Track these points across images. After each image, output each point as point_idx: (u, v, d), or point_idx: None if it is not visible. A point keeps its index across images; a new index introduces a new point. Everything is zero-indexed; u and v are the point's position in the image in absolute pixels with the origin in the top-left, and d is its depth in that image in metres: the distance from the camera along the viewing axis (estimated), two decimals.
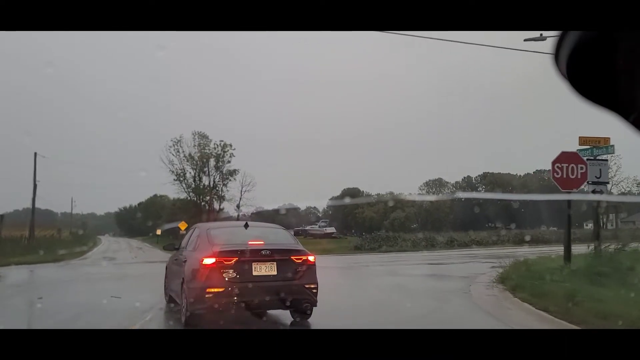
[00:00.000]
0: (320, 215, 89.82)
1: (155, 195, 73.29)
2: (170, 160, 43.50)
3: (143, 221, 69.03)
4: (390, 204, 60.17)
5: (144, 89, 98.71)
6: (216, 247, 7.00)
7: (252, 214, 63.19)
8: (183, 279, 7.36)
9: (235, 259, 6.81)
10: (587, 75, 0.90)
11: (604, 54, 0.86)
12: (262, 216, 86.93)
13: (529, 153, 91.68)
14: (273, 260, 7.03)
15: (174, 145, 43.66)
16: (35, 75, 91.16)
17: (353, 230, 66.02)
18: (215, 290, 6.68)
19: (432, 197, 70.68)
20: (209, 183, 44.53)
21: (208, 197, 44.03)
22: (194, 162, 43.91)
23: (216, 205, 44.78)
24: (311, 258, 7.34)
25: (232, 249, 7.01)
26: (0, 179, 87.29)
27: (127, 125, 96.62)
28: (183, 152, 43.70)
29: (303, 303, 7.24)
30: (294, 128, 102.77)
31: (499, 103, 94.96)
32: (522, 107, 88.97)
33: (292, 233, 36.85)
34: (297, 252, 7.39)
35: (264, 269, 6.95)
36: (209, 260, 6.80)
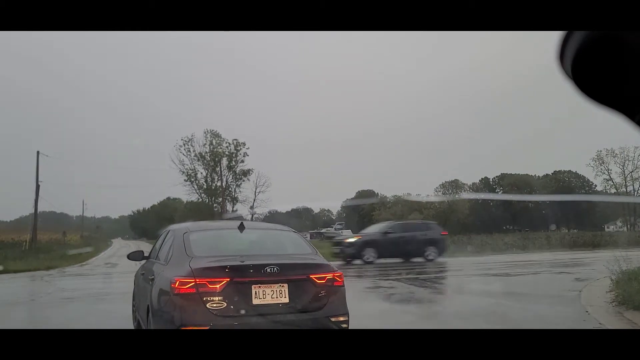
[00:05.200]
0: (334, 217, 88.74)
1: (168, 198, 72.97)
2: (180, 160, 42.54)
3: (156, 224, 68.60)
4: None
5: (156, 90, 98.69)
6: (196, 262, 4.64)
7: (265, 216, 62.32)
8: (148, 305, 5.04)
9: (225, 280, 4.46)
10: (592, 75, 0.90)
11: (609, 53, 0.86)
12: (275, 219, 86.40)
13: (547, 154, 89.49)
14: (284, 282, 4.69)
15: (184, 144, 42.71)
16: (51, 81, 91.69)
17: None
18: (192, 328, 4.31)
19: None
20: (222, 183, 43.34)
21: (220, 199, 42.82)
22: (206, 161, 42.83)
23: (229, 207, 43.57)
24: (339, 276, 4.97)
25: (220, 264, 4.61)
26: (17, 182, 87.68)
27: (142, 129, 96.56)
28: (194, 151, 42.67)
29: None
30: (308, 130, 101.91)
31: (516, 103, 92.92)
32: (539, 107, 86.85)
33: (308, 237, 35.63)
34: (319, 267, 4.97)
35: (270, 295, 4.61)
36: (184, 282, 4.42)
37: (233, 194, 44.07)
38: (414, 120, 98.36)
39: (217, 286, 4.41)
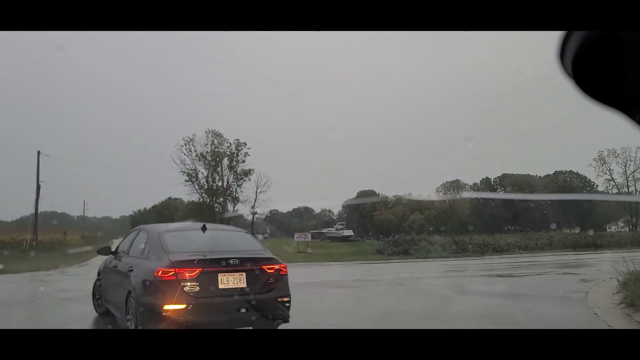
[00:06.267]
0: (335, 217, 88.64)
1: (169, 198, 72.83)
2: (181, 160, 42.39)
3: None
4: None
5: (158, 90, 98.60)
6: (174, 255, 5.98)
7: (266, 216, 62.30)
8: (130, 291, 6.21)
9: (198, 270, 5.79)
10: (592, 74, 0.90)
11: (609, 52, 0.86)
12: (276, 219, 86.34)
13: (548, 154, 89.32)
14: (242, 271, 6.07)
15: (185, 144, 42.56)
16: (51, 81, 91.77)
17: (370, 233, 64.56)
18: (175, 307, 5.64)
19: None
20: (223, 183, 43.20)
21: (222, 199, 42.69)
22: (207, 161, 42.67)
23: (230, 207, 43.46)
24: (284, 267, 6.44)
25: (194, 257, 5.96)
26: (19, 182, 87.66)
27: (144, 129, 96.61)
28: (195, 151, 42.51)
29: (276, 319, 6.19)
30: (309, 130, 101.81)
31: (517, 103, 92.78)
32: (540, 107, 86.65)
33: (309, 237, 35.62)
34: (269, 260, 6.42)
35: (232, 281, 6.00)
36: (166, 271, 5.75)
37: (234, 194, 43.97)
38: (415, 120, 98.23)
39: (192, 274, 5.73)
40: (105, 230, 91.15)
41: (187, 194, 45.42)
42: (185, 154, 42.60)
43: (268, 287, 6.19)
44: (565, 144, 77.09)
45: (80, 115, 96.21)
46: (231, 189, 43.56)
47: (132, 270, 6.41)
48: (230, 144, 43.33)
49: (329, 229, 58.79)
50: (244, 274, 6.03)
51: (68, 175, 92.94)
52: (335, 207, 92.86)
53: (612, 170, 61.58)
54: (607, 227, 69.43)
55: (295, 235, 37.49)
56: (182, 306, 5.60)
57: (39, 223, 38.39)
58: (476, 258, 26.48)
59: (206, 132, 43.53)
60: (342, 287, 13.11)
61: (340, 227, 58.63)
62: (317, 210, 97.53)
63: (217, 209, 42.95)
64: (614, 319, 7.16)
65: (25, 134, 78.28)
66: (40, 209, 37.91)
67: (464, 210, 63.47)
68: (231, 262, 5.99)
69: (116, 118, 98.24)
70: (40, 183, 35.88)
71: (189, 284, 5.68)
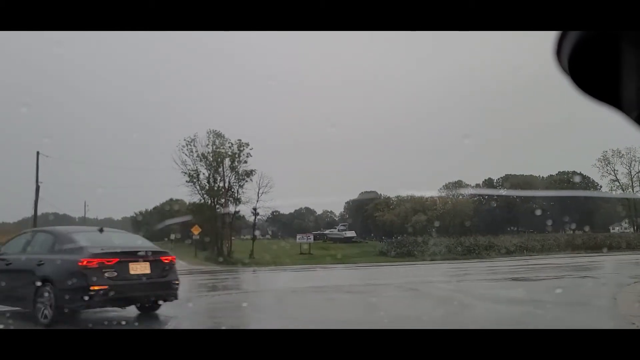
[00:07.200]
0: (337, 218, 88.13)
1: (170, 199, 72.24)
2: (183, 161, 41.87)
3: (159, 225, 68.09)
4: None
5: (159, 90, 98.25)
6: (92, 249, 7.55)
7: (267, 217, 61.81)
8: (45, 281, 7.50)
9: (115, 260, 7.51)
10: (589, 71, 0.89)
11: (606, 50, 0.86)
12: (277, 220, 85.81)
13: (551, 154, 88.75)
14: (147, 261, 7.93)
15: (187, 144, 41.97)
16: (52, 81, 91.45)
17: (372, 234, 64.06)
18: (98, 288, 7.21)
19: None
20: (224, 184, 42.65)
21: (223, 200, 42.17)
22: (208, 162, 42.11)
23: (231, 208, 42.90)
24: (173, 258, 8.57)
25: (112, 250, 7.72)
26: (21, 183, 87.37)
27: (145, 129, 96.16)
28: (197, 151, 41.93)
29: (170, 297, 8.28)
30: (310, 131, 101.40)
31: (518, 103, 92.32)
32: (542, 108, 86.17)
33: (312, 239, 35.14)
34: (164, 253, 8.61)
35: (140, 269, 7.79)
36: (90, 261, 7.31)
37: (236, 194, 43.42)
38: (417, 121, 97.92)
39: (111, 263, 7.46)
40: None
41: (189, 195, 44.99)
42: (186, 155, 42.08)
43: (165, 272, 8.21)
44: (568, 145, 76.63)
45: (81, 116, 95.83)
46: (232, 190, 42.96)
47: (42, 264, 7.73)
48: (232, 144, 42.78)
49: (331, 230, 58.37)
50: (148, 263, 7.93)
51: (70, 177, 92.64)
52: (337, 208, 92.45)
53: (617, 170, 60.99)
54: (611, 227, 68.91)
55: (298, 237, 37.01)
56: (105, 287, 7.24)
57: (41, 224, 38.05)
58: (484, 260, 25.96)
59: (207, 133, 42.99)
60: (352, 293, 12.60)
61: (342, 228, 58.18)
62: (319, 212, 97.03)
63: (218, 210, 42.47)
64: None
65: (25, 135, 77.95)
66: (41, 210, 37.56)
67: (467, 211, 62.87)
68: (139, 254, 7.95)
69: (118, 119, 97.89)
70: (39, 184, 35.45)
71: (108, 270, 7.38)
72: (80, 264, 7.25)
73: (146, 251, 8.10)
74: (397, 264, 25.75)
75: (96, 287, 7.17)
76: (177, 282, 8.37)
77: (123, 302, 8.05)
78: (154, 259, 8.05)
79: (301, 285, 14.52)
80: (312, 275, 17.97)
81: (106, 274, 7.33)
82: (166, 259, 8.31)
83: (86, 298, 7.10)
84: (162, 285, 8.07)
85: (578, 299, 9.71)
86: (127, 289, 7.54)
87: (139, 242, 8.89)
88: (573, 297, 10.09)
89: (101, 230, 8.53)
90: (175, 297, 8.31)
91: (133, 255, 7.83)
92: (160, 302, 8.39)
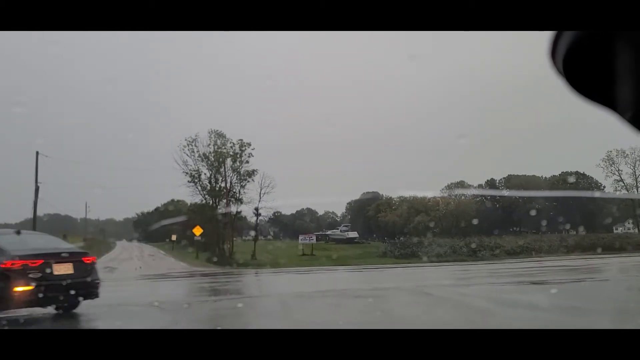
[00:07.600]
0: (339, 219, 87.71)
1: (172, 200, 71.86)
2: (184, 161, 41.45)
3: (160, 226, 67.84)
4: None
5: (160, 91, 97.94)
6: (16, 252, 7.75)
7: (269, 218, 61.36)
8: None
9: (40, 261, 7.75)
10: (584, 72, 0.90)
11: (601, 51, 0.87)
12: (279, 221, 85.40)
13: (554, 155, 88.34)
14: (70, 261, 8.24)
15: (188, 145, 41.57)
16: (53, 82, 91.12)
17: (374, 235, 63.64)
18: (23, 288, 7.45)
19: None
20: (226, 184, 42.21)
21: (225, 200, 41.74)
22: (210, 162, 41.67)
23: (233, 208, 42.42)
24: (94, 259, 9.08)
25: (36, 252, 7.94)
26: (23, 184, 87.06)
27: (146, 129, 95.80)
28: (198, 151, 41.51)
29: (92, 295, 8.60)
30: (312, 131, 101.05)
31: (520, 103, 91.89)
32: (544, 108, 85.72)
33: (314, 239, 34.76)
34: (85, 254, 8.97)
35: (63, 269, 8.09)
36: (14, 263, 7.50)
37: (237, 195, 42.97)
38: (417, 121, 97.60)
39: (35, 264, 7.69)
40: (108, 233, 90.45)
41: (190, 195, 44.62)
42: (187, 155, 41.67)
43: (87, 273, 8.57)
44: (571, 145, 76.31)
45: (82, 116, 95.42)
46: (234, 190, 42.52)
47: None
48: (233, 144, 42.36)
49: (334, 230, 58.03)
50: (71, 263, 8.25)
51: (71, 178, 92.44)
52: (339, 208, 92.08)
53: (621, 170, 60.51)
54: (615, 228, 68.45)
55: (300, 238, 36.55)
56: (30, 288, 7.48)
57: (43, 225, 37.74)
58: (491, 262, 25.46)
59: (209, 132, 42.58)
60: (360, 297, 11.93)
61: (344, 229, 57.81)
62: (321, 212, 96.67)
63: (220, 210, 42.05)
64: None
65: (26, 134, 77.62)
66: (43, 211, 37.35)
67: (469, 212, 62.40)
68: (62, 255, 8.22)
69: (119, 119, 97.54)
70: (39, 185, 35.11)
71: (32, 271, 7.61)
72: (2, 266, 7.46)
73: (69, 252, 8.47)
74: (402, 266, 25.26)
75: (20, 289, 7.43)
76: (97, 281, 8.76)
77: (48, 302, 8.27)
78: (76, 259, 8.43)
79: (307, 290, 14.00)
80: (316, 277, 17.53)
81: (30, 275, 7.57)
82: (88, 260, 8.73)
83: (11, 299, 7.36)
84: (85, 285, 8.40)
85: (610, 306, 9.13)
86: (51, 289, 7.75)
87: (59, 244, 9.28)
88: (603, 303, 9.48)
89: (19, 233, 8.88)
90: (97, 295, 8.62)
91: (57, 257, 8.11)
92: (80, 299, 8.62)
